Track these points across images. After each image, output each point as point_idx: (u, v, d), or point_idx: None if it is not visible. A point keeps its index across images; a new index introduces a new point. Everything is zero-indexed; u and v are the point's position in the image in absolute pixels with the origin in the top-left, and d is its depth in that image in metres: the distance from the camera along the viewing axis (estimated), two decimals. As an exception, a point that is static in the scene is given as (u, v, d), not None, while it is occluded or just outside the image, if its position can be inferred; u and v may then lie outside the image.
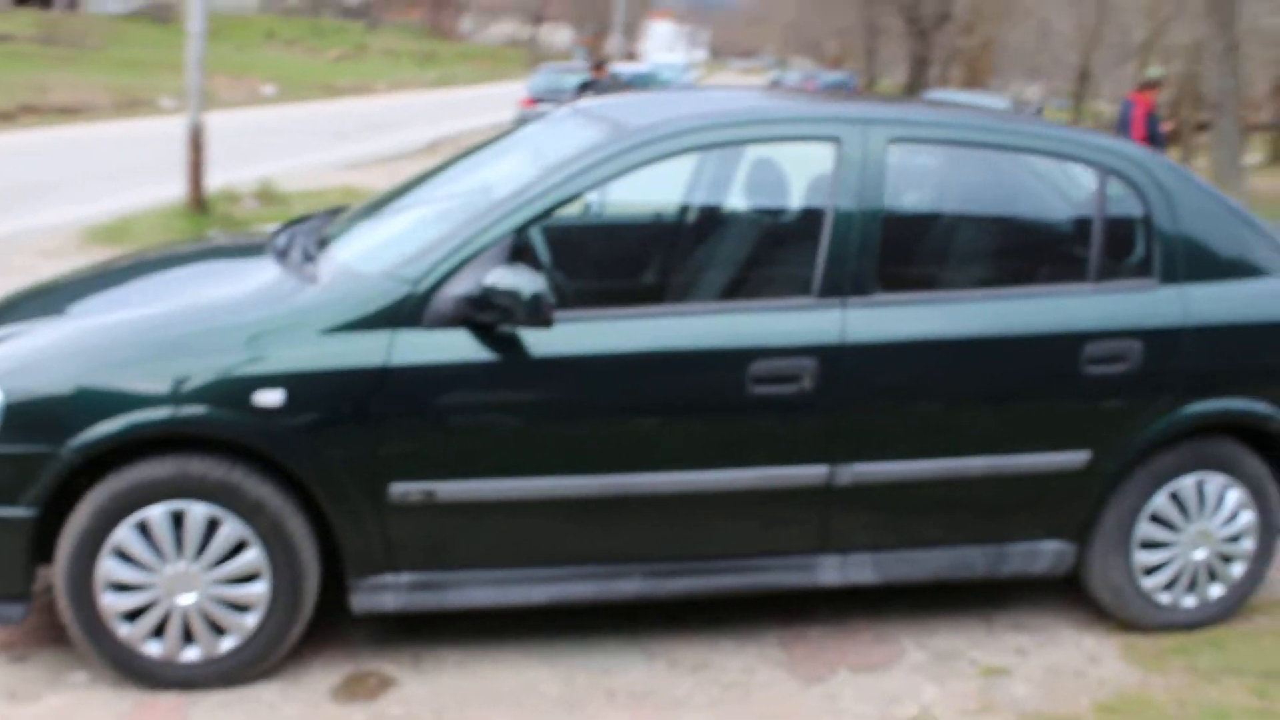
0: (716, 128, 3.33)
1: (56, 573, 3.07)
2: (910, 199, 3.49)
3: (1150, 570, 3.60)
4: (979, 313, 3.36)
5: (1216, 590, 3.65)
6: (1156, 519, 3.56)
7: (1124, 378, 3.40)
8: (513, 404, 3.14)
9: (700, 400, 3.23)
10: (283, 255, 3.54)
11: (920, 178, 3.53)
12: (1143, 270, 3.48)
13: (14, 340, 3.20)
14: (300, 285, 3.21)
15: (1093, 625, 3.70)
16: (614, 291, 3.33)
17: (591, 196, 3.54)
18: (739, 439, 3.26)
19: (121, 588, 3.09)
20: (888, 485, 3.35)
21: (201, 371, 3.00)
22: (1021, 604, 3.80)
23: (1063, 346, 3.38)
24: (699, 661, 3.43)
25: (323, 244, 3.52)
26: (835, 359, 3.23)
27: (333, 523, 3.12)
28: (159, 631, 3.12)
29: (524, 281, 2.94)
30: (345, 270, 3.24)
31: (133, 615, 3.10)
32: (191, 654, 3.15)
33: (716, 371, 3.20)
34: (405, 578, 3.22)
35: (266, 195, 10.87)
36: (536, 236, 3.57)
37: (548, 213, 3.18)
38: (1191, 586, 3.63)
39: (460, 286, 3.07)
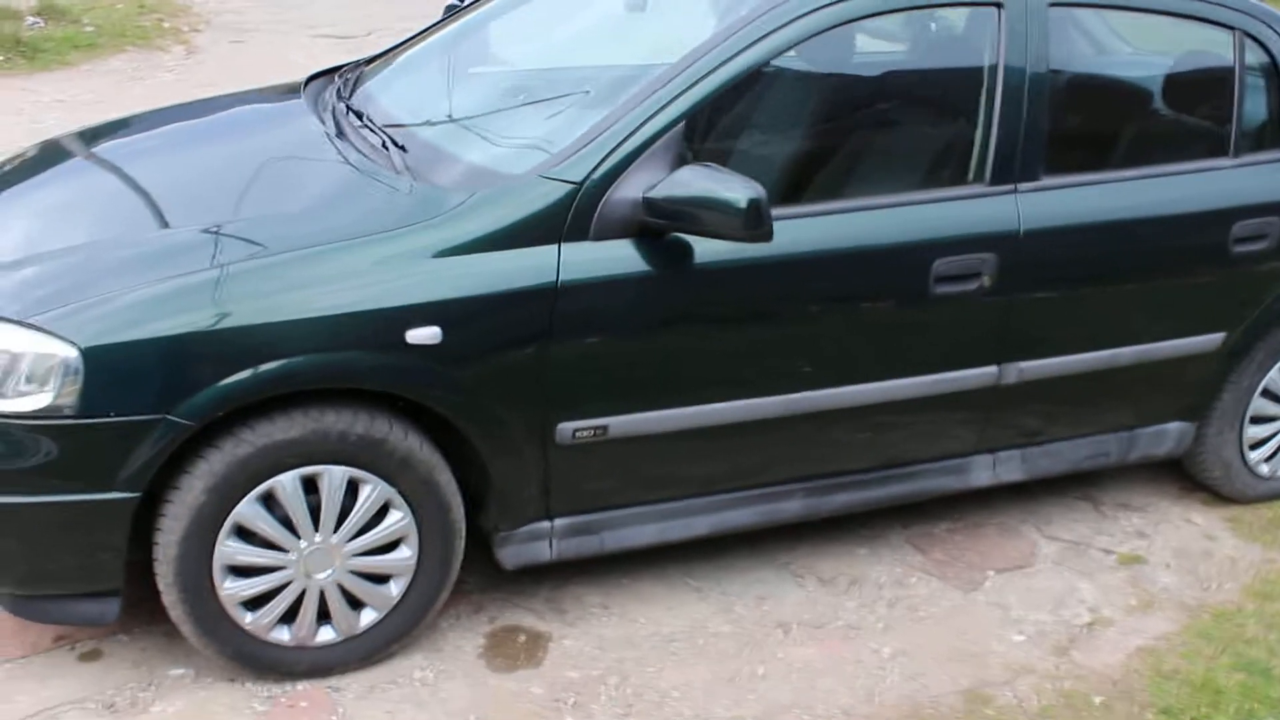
0: None
1: (161, 560, 2.49)
2: (1065, 72, 3.18)
3: (1256, 444, 3.60)
4: (1136, 193, 3.14)
5: (1310, 458, 3.70)
6: (1268, 393, 3.54)
7: (1263, 255, 3.28)
8: (691, 322, 2.72)
9: (884, 304, 2.90)
10: (340, 135, 2.94)
11: (1070, 46, 3.22)
12: (1276, 140, 3.35)
13: (61, 262, 2.51)
14: (423, 189, 2.64)
15: (1188, 499, 3.68)
16: (785, 185, 2.90)
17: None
18: (920, 344, 2.97)
19: (245, 571, 2.54)
20: (1046, 381, 3.14)
21: (341, 305, 2.43)
22: (1115, 483, 3.73)
23: (1215, 225, 3.21)
24: (847, 576, 3.21)
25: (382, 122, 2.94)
26: (1013, 252, 2.95)
27: (491, 470, 2.65)
28: (289, 615, 2.61)
29: (735, 186, 2.48)
30: (477, 169, 2.68)
31: (258, 601, 2.58)
32: (327, 635, 2.66)
33: (902, 272, 2.87)
34: (561, 523, 2.81)
35: (52, 10, 9.30)
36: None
37: (721, 91, 2.70)
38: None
39: (633, 188, 2.58)
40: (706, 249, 2.64)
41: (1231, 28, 3.27)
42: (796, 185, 2.92)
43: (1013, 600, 3.17)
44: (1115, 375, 3.24)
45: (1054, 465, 3.34)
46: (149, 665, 2.69)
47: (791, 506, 3.04)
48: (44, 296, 2.41)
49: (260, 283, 2.42)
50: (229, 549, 2.51)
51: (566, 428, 2.66)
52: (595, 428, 2.68)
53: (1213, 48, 3.31)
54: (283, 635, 2.62)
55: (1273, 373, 3.51)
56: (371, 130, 2.92)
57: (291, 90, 3.48)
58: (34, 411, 2.33)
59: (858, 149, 3.00)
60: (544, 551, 2.82)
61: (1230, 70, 3.29)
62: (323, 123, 3.12)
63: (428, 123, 2.99)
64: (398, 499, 2.60)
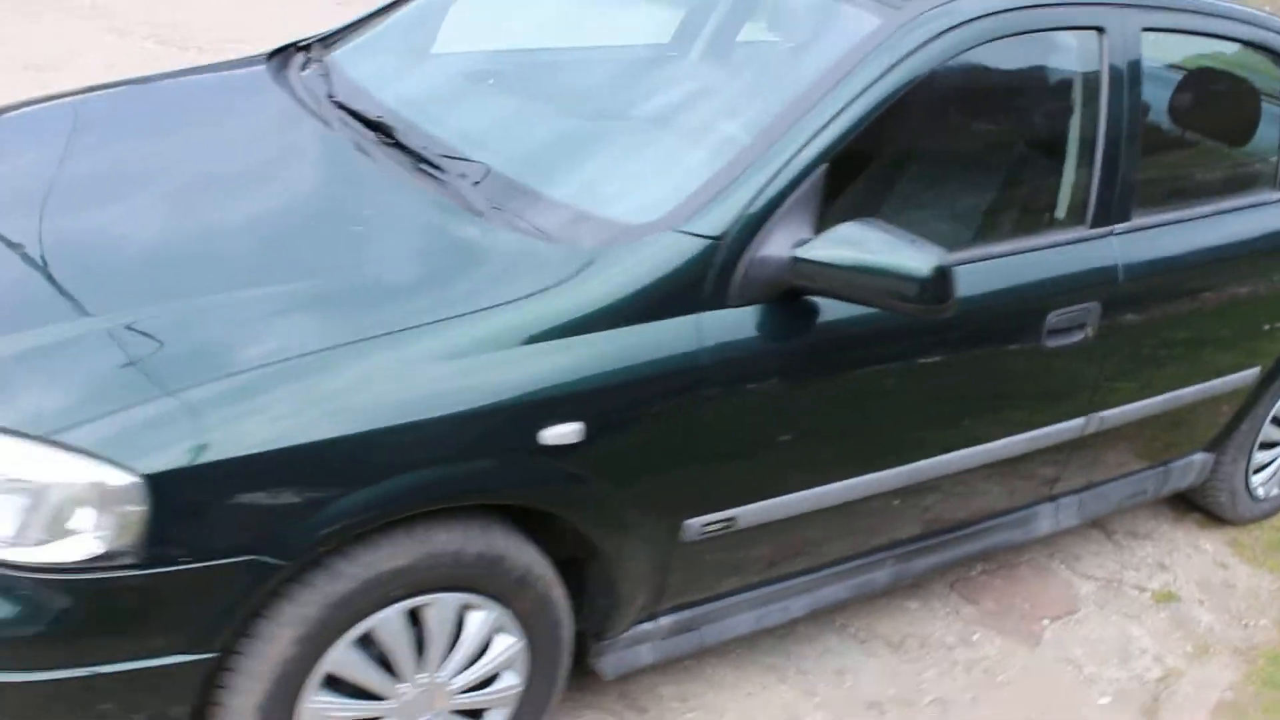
0: (1000, 13, 2.58)
1: (230, 726, 1.95)
2: (1151, 102, 2.99)
3: (1259, 469, 3.61)
4: (1209, 229, 3.00)
5: (1293, 478, 3.76)
6: (1276, 420, 3.55)
7: (1302, 288, 3.25)
8: (825, 393, 2.37)
9: (1003, 362, 2.64)
10: (361, 151, 2.41)
11: (1153, 74, 3.03)
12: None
13: (79, 341, 1.89)
14: (529, 244, 2.15)
15: (1186, 523, 3.66)
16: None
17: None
18: (1027, 401, 2.75)
19: (333, 727, 2.04)
20: (1118, 428, 3.00)
21: (463, 401, 1.93)
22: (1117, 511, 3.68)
23: (1268, 259, 3.15)
24: (912, 637, 2.98)
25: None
26: (1112, 300, 2.75)
27: (614, 577, 2.23)
28: (379, 769, 2.13)
29: (917, 251, 2.13)
30: (585, 217, 2.20)
31: (345, 759, 2.08)
32: (417, 786, 2.20)
33: (1021, 327, 2.62)
34: (665, 622, 2.43)
35: None
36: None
37: (859, 127, 2.32)
38: (1278, 477, 3.71)
39: (777, 245, 2.20)
40: (836, 310, 2.29)
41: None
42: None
43: (1078, 654, 3.04)
44: (1171, 415, 3.14)
45: (1103, 507, 3.22)
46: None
47: (881, 577, 2.77)
48: (69, 400, 1.80)
49: (362, 374, 1.89)
50: (317, 704, 1.99)
51: (695, 523, 2.27)
52: (724, 520, 2.31)
53: (1266, 71, 3.22)
54: (370, 794, 2.13)
55: (1272, 399, 3.51)
56: (407, 149, 2.39)
57: (252, 76, 2.86)
58: (78, 563, 1.74)
59: (974, 191, 2.70)
60: (645, 655, 2.44)
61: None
62: (327, 126, 2.54)
63: (479, 142, 2.46)
64: (510, 622, 2.15)
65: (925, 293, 2.11)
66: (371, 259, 2.15)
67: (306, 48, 3.02)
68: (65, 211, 2.26)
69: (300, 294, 2.02)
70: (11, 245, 2.15)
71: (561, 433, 2.00)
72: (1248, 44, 3.12)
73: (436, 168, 2.31)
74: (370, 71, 2.81)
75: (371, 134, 2.48)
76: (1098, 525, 3.56)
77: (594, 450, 2.05)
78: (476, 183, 2.28)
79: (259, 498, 1.81)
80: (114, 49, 6.27)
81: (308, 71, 2.84)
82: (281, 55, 3.00)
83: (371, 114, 2.53)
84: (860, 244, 2.15)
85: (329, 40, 3.05)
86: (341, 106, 2.58)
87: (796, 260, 2.17)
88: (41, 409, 1.78)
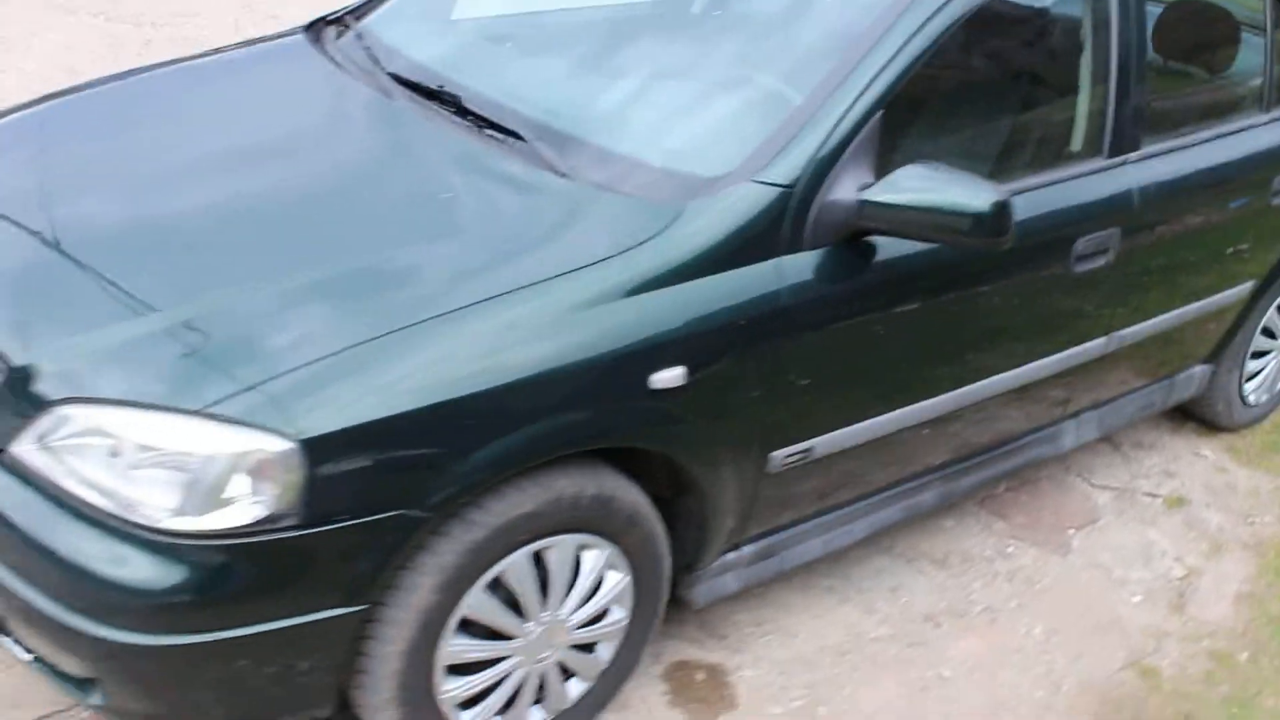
0: None
1: (374, 675, 2.06)
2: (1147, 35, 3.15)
3: (1250, 377, 3.84)
4: (1208, 153, 3.17)
5: (1279, 387, 4.00)
6: (1266, 330, 3.77)
7: (1282, 204, 3.46)
8: (890, 325, 2.51)
9: (1040, 287, 2.81)
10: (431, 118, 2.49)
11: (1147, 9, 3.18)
12: (1289, 96, 3.50)
13: (207, 313, 1.97)
14: (618, 201, 2.26)
15: (1184, 431, 3.89)
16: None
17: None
18: (1060, 324, 2.92)
19: (466, 669, 2.16)
20: (1134, 345, 3.19)
21: (581, 351, 2.05)
22: (1120, 422, 3.91)
23: (1259, 179, 3.34)
24: (954, 553, 3.17)
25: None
26: (1130, 225, 2.93)
27: (707, 510, 2.37)
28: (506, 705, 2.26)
29: (976, 189, 2.27)
30: (662, 172, 2.31)
31: (473, 698, 2.20)
32: (536, 717, 2.33)
33: (1055, 254, 2.78)
34: (748, 551, 2.58)
35: None
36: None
37: (909, 73, 2.45)
38: (1267, 383, 3.94)
39: (844, 189, 2.33)
40: (893, 248, 2.44)
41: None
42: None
43: (1106, 559, 3.25)
44: (1178, 330, 3.34)
45: (1118, 421, 3.42)
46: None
47: (928, 498, 2.94)
48: (221, 374, 1.88)
49: (489, 332, 1.99)
50: (455, 648, 2.12)
51: (778, 455, 2.41)
52: (802, 451, 2.45)
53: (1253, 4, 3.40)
54: (498, 728, 2.27)
55: (1271, 311, 3.74)
56: (478, 116, 2.48)
57: (301, 52, 2.92)
58: (243, 528, 1.83)
59: (1005, 129, 2.85)
60: (731, 583, 2.58)
61: (1261, 28, 3.39)
62: (388, 97, 2.62)
63: (544, 105, 2.55)
64: (619, 559, 2.29)
65: (986, 226, 2.26)
66: (472, 223, 2.24)
67: (339, 20, 3.07)
68: (169, 191, 2.32)
69: (418, 259, 2.11)
70: (121, 227, 2.21)
71: (668, 376, 2.13)
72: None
73: (516, 135, 2.39)
74: (416, 41, 2.87)
75: (435, 103, 2.56)
76: (1107, 439, 3.76)
77: (694, 391, 2.17)
78: (524, 139, 2.38)
79: (405, 455, 1.92)
80: (67, 28, 6.18)
81: (357, 45, 2.89)
82: (318, 28, 3.05)
83: (433, 84, 2.61)
84: (922, 185, 2.28)
85: (359, 11, 3.10)
86: (400, 80, 2.65)
87: (864, 203, 2.30)
88: (195, 384, 1.87)
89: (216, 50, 3.11)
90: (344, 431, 1.85)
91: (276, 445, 1.82)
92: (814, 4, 2.66)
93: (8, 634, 2.06)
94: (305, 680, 2.00)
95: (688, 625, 2.77)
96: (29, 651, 2.04)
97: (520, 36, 2.96)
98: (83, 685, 1.99)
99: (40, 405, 1.92)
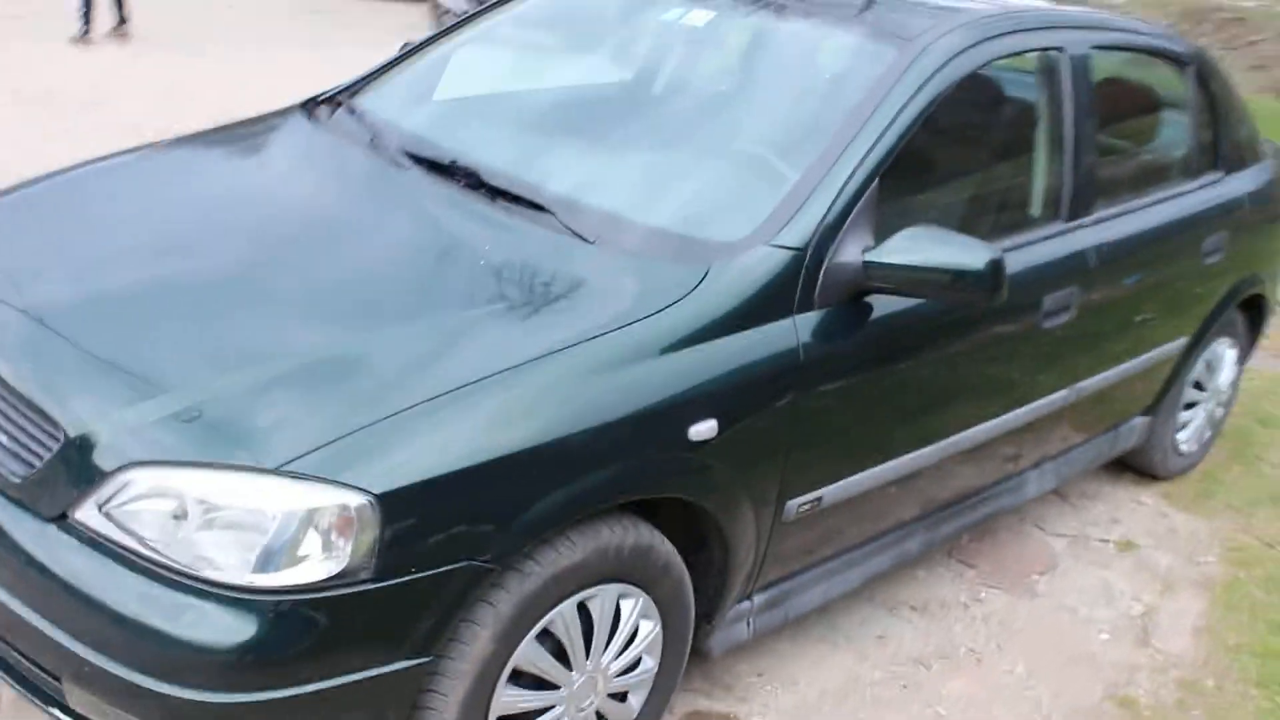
0: (1016, 32, 2.97)
1: (435, 725, 2.10)
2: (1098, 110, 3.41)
3: (1182, 427, 4.11)
4: (1149, 217, 3.43)
5: (1206, 436, 4.28)
6: (1197, 384, 4.05)
7: (1218, 265, 3.74)
8: (889, 382, 2.67)
9: (1012, 342, 3.00)
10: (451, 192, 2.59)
11: (1095, 86, 3.45)
12: (1213, 162, 3.81)
13: (269, 374, 2.03)
14: (647, 265, 2.38)
15: (1122, 481, 4.13)
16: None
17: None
18: (1033, 375, 3.12)
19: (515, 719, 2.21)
20: (1090, 397, 3.42)
21: (631, 405, 2.16)
22: (1064, 473, 4.13)
23: (1192, 240, 3.62)
24: (932, 600, 3.31)
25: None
26: (1087, 283, 3.16)
27: (730, 559, 2.47)
28: (547, 755, 2.31)
29: (971, 250, 2.45)
30: (681, 239, 2.44)
31: (521, 747, 2.26)
32: (576, 767, 2.38)
33: (1027, 309, 2.98)
34: (759, 600, 2.69)
35: None
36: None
37: (891, 153, 2.63)
38: (1196, 433, 4.21)
39: (848, 251, 2.49)
40: (888, 306, 2.60)
41: (1185, 64, 3.69)
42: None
43: (1071, 600, 3.43)
44: (1124, 383, 3.58)
45: (1072, 471, 3.63)
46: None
47: (913, 546, 3.09)
48: (294, 432, 1.93)
49: (543, 388, 2.09)
50: (508, 698, 2.17)
51: (793, 504, 2.54)
52: (814, 500, 2.58)
53: (1172, 81, 3.72)
54: (539, 779, 2.31)
55: (1200, 365, 4.01)
56: (497, 189, 2.59)
57: (298, 124, 3.00)
58: (320, 582, 1.88)
59: (979, 194, 3.07)
60: (743, 632, 2.68)
61: (1188, 102, 3.71)
62: (401, 171, 2.71)
63: (559, 178, 2.67)
64: (651, 609, 2.37)
65: (982, 283, 2.44)
66: (511, 289, 2.34)
67: (332, 99, 3.16)
68: (214, 259, 2.38)
69: (465, 323, 2.19)
70: (171, 297, 2.25)
71: (703, 429, 2.24)
72: (1154, 53, 3.62)
73: (540, 207, 2.50)
74: (416, 118, 2.98)
75: (454, 180, 2.65)
76: (1056, 491, 3.98)
77: (725, 443, 2.29)
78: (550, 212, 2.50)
79: (470, 507, 1.98)
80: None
81: (357, 122, 2.98)
82: (311, 107, 3.13)
83: (445, 159, 2.71)
84: (922, 245, 2.46)
85: (352, 90, 3.20)
86: (416, 158, 2.74)
87: (868, 264, 2.47)
88: (267, 444, 1.91)
89: (221, 128, 3.16)
90: (414, 486, 1.92)
91: (353, 500, 1.87)
92: (811, 87, 2.84)
93: (58, 706, 2.04)
94: None
95: (693, 677, 2.84)
96: (81, 721, 2.03)
97: (518, 113, 3.08)
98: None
99: (101, 471, 1.94)
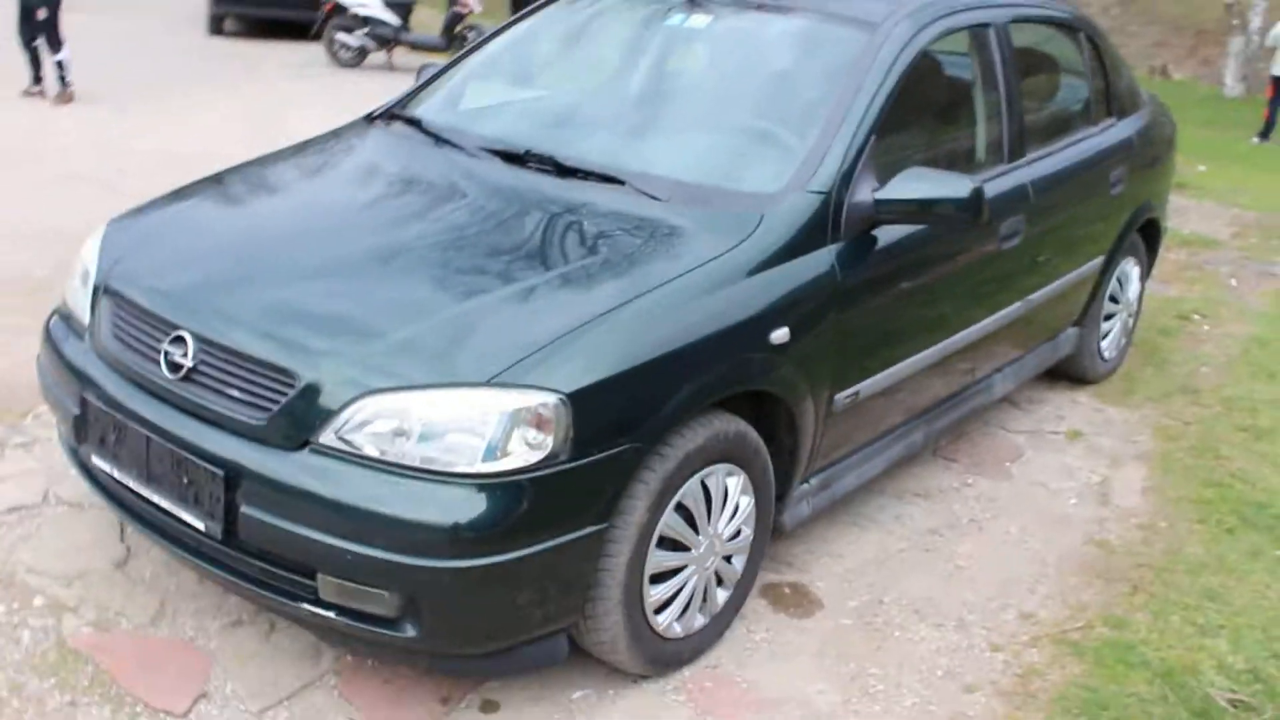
0: (954, 13, 3.67)
1: (606, 585, 2.65)
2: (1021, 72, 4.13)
3: (1104, 336, 4.87)
4: (1070, 155, 4.20)
5: (1122, 344, 5.05)
6: (1112, 298, 4.81)
7: (1121, 194, 4.52)
8: (904, 293, 3.33)
9: (981, 260, 3.68)
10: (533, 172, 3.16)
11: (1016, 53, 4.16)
12: (1107, 110, 4.58)
13: (464, 313, 2.61)
14: (714, 215, 2.98)
15: (1058, 386, 4.88)
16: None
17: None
18: (999, 288, 3.82)
19: (660, 578, 2.78)
20: (1038, 307, 4.13)
21: (731, 316, 2.78)
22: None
23: (1101, 176, 4.38)
24: (934, 487, 3.98)
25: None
26: (1029, 212, 3.87)
27: (799, 444, 3.08)
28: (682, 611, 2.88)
29: (956, 183, 3.11)
30: (742, 194, 3.07)
31: (665, 604, 2.82)
32: (699, 620, 2.96)
33: (987, 236, 3.66)
34: (814, 482, 3.30)
35: None
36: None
37: (882, 112, 3.29)
38: (1115, 341, 4.98)
39: (861, 192, 3.13)
40: (890, 235, 3.26)
41: (1077, 30, 4.46)
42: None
43: (1041, 478, 4.14)
44: (1060, 297, 4.31)
45: (1026, 374, 4.35)
46: (550, 699, 2.80)
47: (918, 438, 3.75)
48: (498, 353, 2.48)
49: (667, 306, 2.68)
50: (657, 558, 2.74)
51: (840, 396, 3.16)
52: (854, 393, 3.21)
53: (1070, 45, 4.48)
54: (676, 629, 2.87)
55: (1113, 280, 4.78)
56: (574, 170, 3.17)
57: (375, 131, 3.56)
58: (533, 464, 2.43)
59: (942, 142, 3.76)
60: (805, 510, 3.29)
61: (1086, 61, 4.48)
62: (471, 159, 3.31)
63: (611, 156, 3.27)
64: (748, 485, 2.96)
65: (968, 208, 3.10)
66: (619, 238, 2.91)
67: (388, 114, 3.71)
68: (396, 231, 2.99)
69: (597, 266, 2.77)
70: (362, 260, 2.83)
71: (780, 334, 2.86)
72: (1055, 24, 4.39)
73: (618, 180, 3.10)
74: (475, 121, 3.54)
75: (530, 165, 3.23)
76: (1009, 399, 4.70)
77: (794, 347, 2.91)
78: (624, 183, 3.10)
79: (631, 400, 2.56)
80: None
81: (420, 130, 3.54)
82: (374, 120, 3.67)
83: (519, 149, 3.28)
84: (918, 184, 3.12)
85: (401, 104, 3.75)
86: (493, 151, 3.30)
87: (878, 202, 3.12)
88: (478, 363, 2.46)
89: (307, 143, 3.68)
90: (590, 385, 2.49)
91: (550, 399, 2.43)
92: (804, 68, 3.49)
93: (310, 600, 2.53)
94: (566, 594, 2.58)
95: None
96: (332, 609, 2.52)
97: (560, 110, 3.66)
98: (394, 624, 2.49)
99: (338, 402, 2.46)
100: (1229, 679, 3.05)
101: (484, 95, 3.98)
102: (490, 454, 2.41)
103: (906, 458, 3.76)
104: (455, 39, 13.34)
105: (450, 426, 2.43)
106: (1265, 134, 13.30)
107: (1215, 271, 6.91)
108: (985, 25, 3.84)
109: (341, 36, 13.02)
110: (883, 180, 3.16)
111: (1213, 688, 3.00)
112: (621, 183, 3.11)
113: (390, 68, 13.13)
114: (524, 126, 3.59)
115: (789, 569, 3.44)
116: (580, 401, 2.47)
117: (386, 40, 13.16)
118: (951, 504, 3.91)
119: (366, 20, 13.03)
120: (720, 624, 3.03)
